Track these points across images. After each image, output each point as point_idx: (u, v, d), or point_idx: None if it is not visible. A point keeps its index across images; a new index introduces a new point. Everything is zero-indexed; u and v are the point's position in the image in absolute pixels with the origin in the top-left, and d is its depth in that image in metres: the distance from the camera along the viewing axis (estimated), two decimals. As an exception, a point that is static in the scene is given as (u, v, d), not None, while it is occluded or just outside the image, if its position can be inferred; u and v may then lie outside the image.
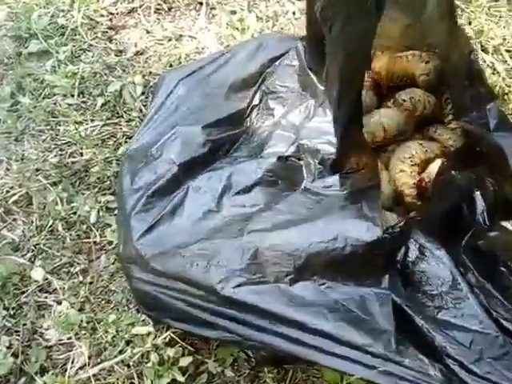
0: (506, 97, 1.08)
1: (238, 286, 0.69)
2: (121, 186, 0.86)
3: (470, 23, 1.21)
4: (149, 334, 0.81)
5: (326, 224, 0.70)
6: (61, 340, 0.84)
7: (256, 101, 0.89)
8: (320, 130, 0.79)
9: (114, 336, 0.83)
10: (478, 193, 0.70)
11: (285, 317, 0.66)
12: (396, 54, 0.92)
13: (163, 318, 0.75)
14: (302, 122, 0.81)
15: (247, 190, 0.79)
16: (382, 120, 0.84)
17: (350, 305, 0.64)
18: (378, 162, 0.80)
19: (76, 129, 1.09)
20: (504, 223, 0.68)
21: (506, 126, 0.69)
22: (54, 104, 1.15)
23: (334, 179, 0.74)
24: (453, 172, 0.71)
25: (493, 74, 1.11)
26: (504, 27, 1.20)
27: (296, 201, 0.74)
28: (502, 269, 0.67)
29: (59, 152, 1.08)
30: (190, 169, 0.85)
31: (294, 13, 1.26)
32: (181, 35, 1.28)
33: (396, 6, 0.84)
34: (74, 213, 0.97)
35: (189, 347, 0.79)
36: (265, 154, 0.82)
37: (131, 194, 0.84)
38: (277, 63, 0.89)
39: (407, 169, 0.81)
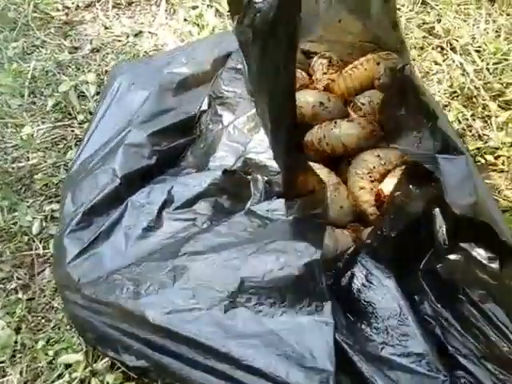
0: (474, 99, 1.02)
1: (169, 313, 0.62)
2: (62, 199, 0.80)
3: (439, 21, 1.16)
4: (88, 357, 0.74)
5: (264, 246, 0.63)
6: (-8, 365, 0.77)
7: (205, 106, 0.83)
8: (267, 143, 0.72)
9: (53, 359, 0.76)
10: (437, 210, 0.63)
11: (215, 349, 0.59)
12: (347, 67, 0.86)
13: (97, 345, 0.69)
14: (249, 131, 0.75)
15: (189, 204, 0.73)
16: (341, 134, 0.78)
17: (287, 336, 0.57)
18: (334, 179, 0.74)
19: (17, 131, 1.01)
20: (464, 245, 0.61)
21: (450, 148, 0.62)
22: (1, 105, 1.07)
23: (280, 203, 0.67)
24: (410, 186, 0.65)
25: (462, 74, 1.06)
26: (473, 25, 1.14)
27: (238, 223, 0.68)
28: (461, 297, 0.60)
29: (4, 156, 1.00)
30: (133, 182, 0.79)
31: (259, 8, 1.19)
32: (140, 31, 1.21)
33: (346, 8, 0.78)
34: (15, 223, 0.90)
35: (131, 373, 0.73)
36: (211, 166, 0.75)
37: (68, 209, 0.78)
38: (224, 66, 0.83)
39: (367, 185, 0.75)
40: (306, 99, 0.81)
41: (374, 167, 0.75)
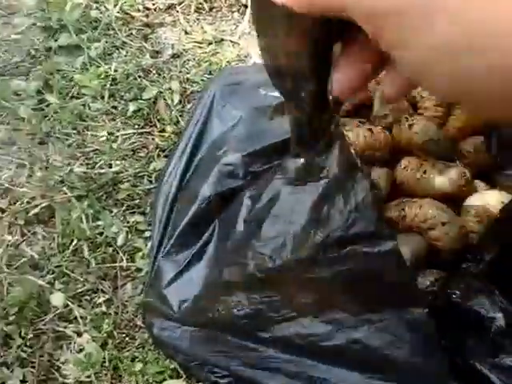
0: None
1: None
2: (153, 215, 0.79)
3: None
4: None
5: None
6: (79, 378, 0.76)
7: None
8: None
9: (138, 380, 0.76)
10: None
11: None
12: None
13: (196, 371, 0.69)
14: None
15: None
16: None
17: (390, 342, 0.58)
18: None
19: (98, 136, 1.01)
20: None
21: None
22: (83, 106, 1.06)
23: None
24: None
25: None
26: None
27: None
28: None
29: (86, 161, 1.00)
30: (226, 202, 0.77)
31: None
32: (222, 39, 1.19)
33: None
34: (101, 233, 0.89)
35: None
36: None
37: (160, 228, 0.78)
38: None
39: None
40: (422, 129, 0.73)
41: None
